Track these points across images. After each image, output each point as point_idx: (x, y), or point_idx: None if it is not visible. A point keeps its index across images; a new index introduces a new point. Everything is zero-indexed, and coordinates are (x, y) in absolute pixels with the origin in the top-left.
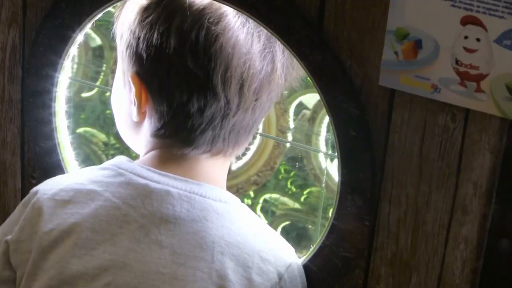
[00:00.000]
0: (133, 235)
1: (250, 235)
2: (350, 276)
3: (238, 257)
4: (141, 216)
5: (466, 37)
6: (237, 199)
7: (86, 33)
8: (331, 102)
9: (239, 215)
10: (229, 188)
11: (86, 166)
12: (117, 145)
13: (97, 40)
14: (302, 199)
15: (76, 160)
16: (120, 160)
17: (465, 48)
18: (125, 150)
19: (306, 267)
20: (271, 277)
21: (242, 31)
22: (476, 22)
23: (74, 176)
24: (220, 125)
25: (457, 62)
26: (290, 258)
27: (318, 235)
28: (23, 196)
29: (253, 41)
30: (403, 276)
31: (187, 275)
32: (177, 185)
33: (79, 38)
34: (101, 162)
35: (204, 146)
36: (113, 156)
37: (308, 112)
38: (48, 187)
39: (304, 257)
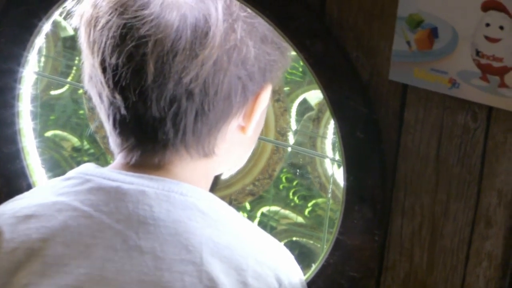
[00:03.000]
0: (109, 244)
1: (242, 236)
2: None
3: (229, 259)
4: (116, 221)
5: (488, 25)
6: (223, 201)
7: (55, 22)
8: (334, 99)
9: (227, 214)
10: (222, 199)
11: (55, 173)
12: (91, 150)
13: (68, 30)
14: (306, 212)
15: (43, 167)
16: (86, 167)
17: (486, 37)
18: (100, 156)
19: None
20: (269, 282)
21: None
22: (499, 8)
23: (35, 191)
24: (175, 113)
25: (478, 53)
26: (289, 262)
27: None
28: None
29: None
30: None
31: (173, 281)
32: (152, 185)
33: (46, 27)
34: (72, 169)
35: (168, 140)
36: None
37: (313, 112)
38: (7, 207)
39: (305, 277)
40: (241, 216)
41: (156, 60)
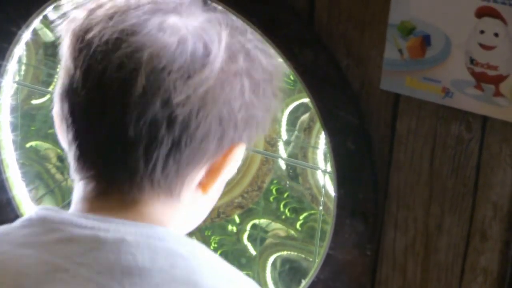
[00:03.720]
0: None
1: (224, 278)
2: None
3: None
4: (97, 273)
5: (482, 32)
6: (200, 244)
7: (36, 29)
8: (324, 109)
9: (207, 258)
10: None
11: (36, 186)
12: None
13: (50, 36)
14: (297, 225)
15: (23, 180)
16: (47, 213)
17: (481, 45)
18: None
19: None
20: None
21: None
22: (494, 14)
23: None
24: (151, 139)
25: (472, 61)
26: None
27: (312, 268)
28: None
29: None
30: None
31: None
32: (130, 231)
33: (26, 35)
34: (54, 182)
35: (137, 170)
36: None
37: (305, 119)
38: None
39: None
40: (220, 258)
41: (149, 74)
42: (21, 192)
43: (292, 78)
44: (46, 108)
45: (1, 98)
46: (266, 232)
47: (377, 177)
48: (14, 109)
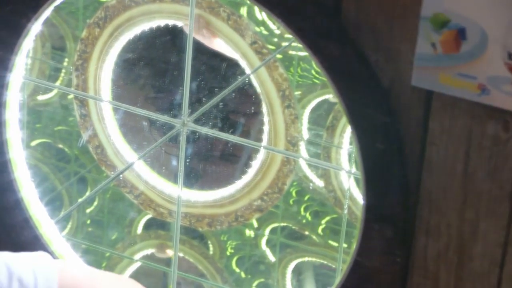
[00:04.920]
0: None
1: None
2: None
3: None
4: None
5: None
6: None
7: (46, 21)
8: (352, 107)
9: None
10: (226, 215)
11: (44, 188)
12: (82, 161)
13: (58, 28)
14: (319, 230)
15: (32, 181)
16: None
17: None
18: (93, 168)
19: None
20: None
21: None
22: None
23: None
24: None
25: (510, 56)
26: None
27: (338, 275)
28: None
29: None
30: None
31: None
32: None
33: (36, 28)
34: (61, 183)
35: None
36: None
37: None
38: None
39: None
40: None
41: None
42: (29, 193)
43: (313, 72)
44: (52, 104)
45: (9, 94)
46: (285, 238)
47: (408, 180)
48: (21, 106)
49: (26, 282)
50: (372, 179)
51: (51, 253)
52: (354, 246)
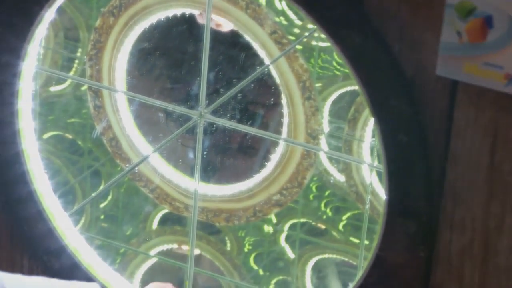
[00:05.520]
0: None
1: None
2: None
3: None
4: None
5: None
6: None
7: (59, 10)
8: (374, 97)
9: None
10: (244, 210)
11: (57, 180)
12: (96, 154)
13: (72, 17)
14: (340, 226)
15: (46, 172)
16: None
17: None
18: (107, 161)
19: None
20: None
21: None
22: None
23: None
24: None
25: None
26: None
27: (359, 271)
28: None
29: None
30: None
31: None
32: None
33: (49, 15)
34: (74, 177)
35: None
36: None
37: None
38: None
39: None
40: None
41: None
42: (43, 186)
43: (335, 64)
44: (65, 96)
45: (22, 83)
46: (305, 234)
47: (432, 172)
48: (34, 96)
49: None
50: (395, 172)
51: (65, 247)
52: (376, 240)
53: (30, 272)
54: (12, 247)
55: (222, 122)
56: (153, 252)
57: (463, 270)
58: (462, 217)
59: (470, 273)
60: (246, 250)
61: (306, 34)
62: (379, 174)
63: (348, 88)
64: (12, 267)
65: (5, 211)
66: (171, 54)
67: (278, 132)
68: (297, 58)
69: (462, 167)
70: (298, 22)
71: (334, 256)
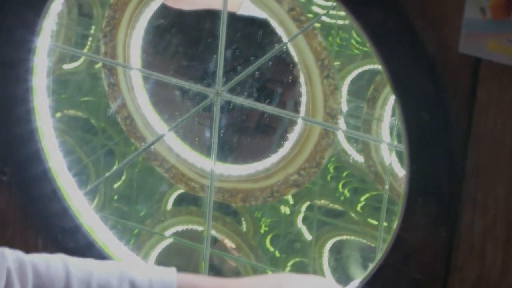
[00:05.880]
0: None
1: None
2: None
3: None
4: None
5: None
6: None
7: None
8: (396, 75)
9: None
10: (261, 191)
11: (69, 160)
12: (110, 133)
13: None
14: (358, 207)
15: (60, 150)
16: None
17: None
18: (121, 140)
19: None
20: None
21: None
22: None
23: None
24: None
25: None
26: None
27: (379, 253)
28: None
29: None
30: None
31: None
32: None
33: None
34: (88, 156)
35: None
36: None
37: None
38: None
39: (359, 280)
40: None
41: None
42: (58, 164)
43: (354, 42)
44: (79, 73)
45: (36, 59)
46: (323, 215)
47: (454, 151)
48: (48, 73)
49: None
50: (416, 151)
51: (80, 226)
52: (396, 221)
53: (45, 251)
54: (26, 226)
55: (239, 100)
56: (168, 233)
57: (485, 251)
58: (485, 197)
59: (492, 254)
60: (262, 231)
61: (325, 11)
62: (398, 154)
63: (368, 67)
64: (26, 246)
65: (19, 189)
66: (187, 31)
67: (296, 111)
68: (315, 36)
69: (485, 146)
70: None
71: (352, 238)
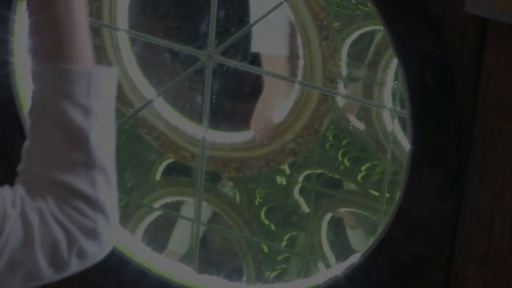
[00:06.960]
0: None
1: None
2: (425, 279)
3: None
4: None
5: None
6: None
7: None
8: (399, 37)
9: None
10: (256, 159)
11: None
12: None
13: None
14: (359, 177)
15: None
16: None
17: None
18: None
19: (363, 267)
20: None
21: None
22: None
23: None
24: None
25: None
26: None
27: (381, 225)
28: None
29: None
30: (498, 280)
31: None
32: None
33: None
34: None
35: None
36: None
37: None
38: None
39: (360, 254)
40: None
41: None
42: None
43: (354, 1)
44: None
45: (17, 19)
46: (321, 186)
47: (460, 117)
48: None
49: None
50: (421, 117)
51: None
52: (399, 192)
53: None
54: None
55: (233, 63)
56: (157, 204)
57: (493, 223)
58: (493, 166)
59: (500, 226)
60: (257, 203)
61: None
62: (401, 120)
63: (369, 28)
64: None
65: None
66: None
67: (293, 75)
68: None
69: (492, 112)
70: None
71: (352, 209)
